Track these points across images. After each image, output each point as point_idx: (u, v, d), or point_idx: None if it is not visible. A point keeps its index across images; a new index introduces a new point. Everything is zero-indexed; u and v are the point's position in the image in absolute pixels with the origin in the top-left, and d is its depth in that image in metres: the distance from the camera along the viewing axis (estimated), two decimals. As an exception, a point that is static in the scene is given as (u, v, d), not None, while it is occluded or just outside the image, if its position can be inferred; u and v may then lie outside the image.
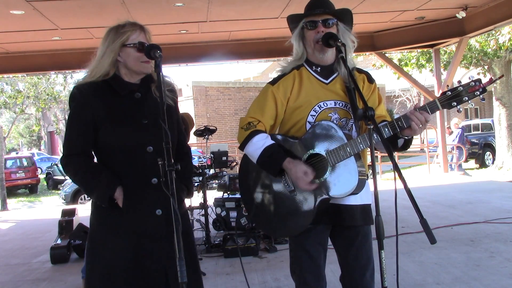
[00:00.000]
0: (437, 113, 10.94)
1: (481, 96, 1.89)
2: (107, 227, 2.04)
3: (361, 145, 1.95)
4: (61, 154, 2.37)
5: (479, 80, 1.88)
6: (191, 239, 2.22)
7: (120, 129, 2.01)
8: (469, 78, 1.91)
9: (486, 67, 13.93)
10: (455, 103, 1.89)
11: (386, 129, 1.95)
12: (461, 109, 1.94)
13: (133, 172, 2.01)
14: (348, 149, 1.96)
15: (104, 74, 2.05)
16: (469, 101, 1.89)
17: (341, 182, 1.99)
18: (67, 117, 2.16)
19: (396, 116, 2.09)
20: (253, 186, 2.23)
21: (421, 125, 1.92)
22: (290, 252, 2.25)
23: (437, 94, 10.52)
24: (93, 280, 2.05)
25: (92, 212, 2.11)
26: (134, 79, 2.10)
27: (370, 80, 2.21)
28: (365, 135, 1.94)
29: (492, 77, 1.93)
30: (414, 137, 2.09)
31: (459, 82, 1.91)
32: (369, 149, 1.92)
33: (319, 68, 2.16)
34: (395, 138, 2.01)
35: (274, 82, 2.18)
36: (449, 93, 1.90)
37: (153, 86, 2.10)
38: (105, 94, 2.05)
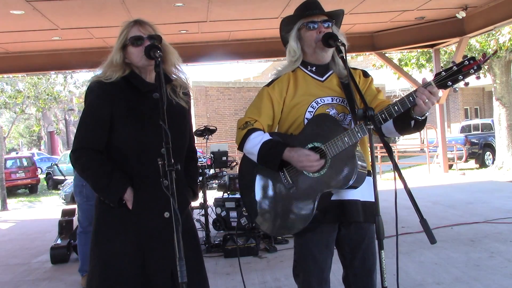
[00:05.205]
0: (437, 113, 10.94)
1: (476, 74, 1.86)
2: (112, 227, 2.01)
3: (359, 134, 1.94)
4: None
5: (473, 58, 1.86)
6: (196, 240, 2.21)
7: (137, 128, 1.99)
8: (463, 57, 1.89)
9: (486, 67, 13.92)
10: (450, 83, 1.87)
11: (383, 115, 1.92)
12: (457, 89, 1.91)
13: (145, 173, 1.98)
14: (346, 139, 1.94)
15: (119, 75, 2.02)
16: (464, 80, 1.87)
17: (340, 174, 1.97)
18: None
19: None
20: (253, 188, 2.22)
21: (427, 100, 1.86)
22: (294, 255, 2.22)
23: (437, 94, 10.48)
24: (95, 280, 2.02)
25: (97, 210, 2.08)
26: (149, 77, 2.08)
27: (366, 75, 2.24)
28: (363, 124, 1.92)
29: (486, 54, 1.90)
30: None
31: (453, 62, 1.89)
32: (369, 146, 1.90)
33: (314, 68, 2.18)
34: (408, 119, 1.97)
35: (269, 84, 2.21)
36: (444, 73, 1.88)
37: (168, 87, 2.07)
38: (125, 91, 2.02)
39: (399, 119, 1.97)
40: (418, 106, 1.89)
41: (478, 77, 1.90)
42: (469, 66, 1.85)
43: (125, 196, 1.97)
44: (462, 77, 1.86)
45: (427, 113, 1.95)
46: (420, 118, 1.94)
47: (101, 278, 2.00)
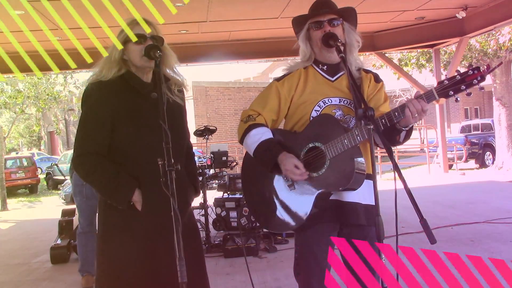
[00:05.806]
0: (437, 112, 10.93)
1: (479, 84, 1.84)
2: (120, 230, 2.00)
3: (358, 137, 1.93)
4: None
5: (477, 69, 1.84)
6: (198, 240, 2.21)
7: (139, 129, 1.98)
8: (468, 67, 1.87)
9: (485, 66, 13.89)
10: (452, 92, 1.86)
11: (383, 120, 1.92)
12: (458, 98, 1.90)
13: (149, 173, 1.96)
14: (345, 141, 1.94)
15: (115, 72, 2.00)
16: (467, 90, 1.85)
17: (338, 176, 1.97)
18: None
19: None
20: (254, 183, 2.24)
21: (416, 114, 1.89)
22: (295, 253, 2.21)
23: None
24: (104, 281, 2.01)
25: (101, 213, 2.06)
26: (146, 77, 2.07)
27: (377, 80, 2.23)
28: (363, 127, 1.92)
29: (490, 65, 1.89)
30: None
31: (458, 71, 1.88)
32: (370, 148, 1.90)
33: (325, 67, 2.18)
34: (397, 132, 1.99)
35: (279, 78, 2.21)
36: (446, 82, 1.87)
37: (165, 86, 2.05)
38: (124, 92, 2.01)
39: (387, 131, 1.98)
40: (406, 118, 1.91)
41: (482, 88, 1.89)
42: (473, 76, 1.83)
43: (133, 198, 1.95)
44: (465, 87, 1.84)
45: (412, 124, 1.98)
46: (404, 128, 1.97)
47: (112, 283, 1.98)
